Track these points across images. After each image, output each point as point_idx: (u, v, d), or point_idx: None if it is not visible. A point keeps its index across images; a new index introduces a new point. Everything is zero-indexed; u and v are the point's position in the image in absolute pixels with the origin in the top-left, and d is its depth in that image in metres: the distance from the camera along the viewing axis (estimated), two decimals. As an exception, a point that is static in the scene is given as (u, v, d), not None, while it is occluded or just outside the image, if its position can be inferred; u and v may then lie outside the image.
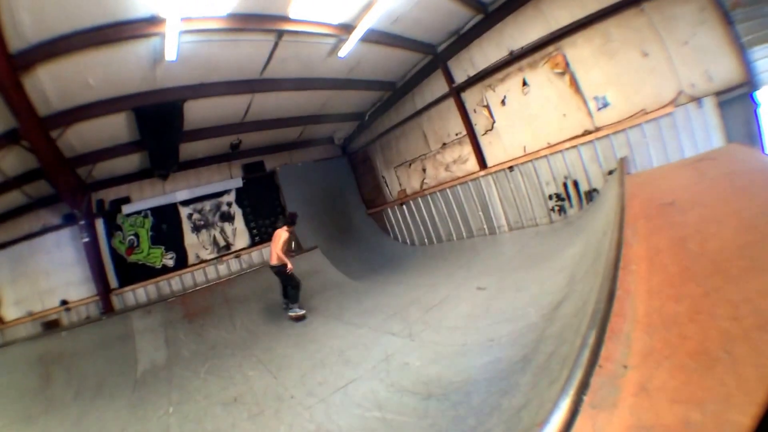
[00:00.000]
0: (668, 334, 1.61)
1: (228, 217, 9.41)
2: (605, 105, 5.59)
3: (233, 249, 9.31)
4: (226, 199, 9.41)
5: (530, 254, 5.87)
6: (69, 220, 8.02)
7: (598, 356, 1.64)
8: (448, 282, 6.30)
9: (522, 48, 6.26)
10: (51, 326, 8.01)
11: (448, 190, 8.06)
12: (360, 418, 3.50)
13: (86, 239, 7.74)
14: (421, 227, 9.04)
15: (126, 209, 8.55)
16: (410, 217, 9.25)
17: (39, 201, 7.90)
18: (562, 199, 6.22)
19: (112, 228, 8.47)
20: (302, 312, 6.93)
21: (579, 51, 5.75)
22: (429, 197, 8.56)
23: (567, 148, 5.99)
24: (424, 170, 8.63)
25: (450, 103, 7.54)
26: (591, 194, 5.85)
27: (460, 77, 7.34)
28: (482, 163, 7.29)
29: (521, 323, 4.06)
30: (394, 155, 9.38)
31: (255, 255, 9.37)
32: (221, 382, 5.23)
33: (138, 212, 8.64)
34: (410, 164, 8.95)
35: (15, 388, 6.13)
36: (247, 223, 9.54)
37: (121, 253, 8.50)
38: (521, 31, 6.29)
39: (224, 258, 9.12)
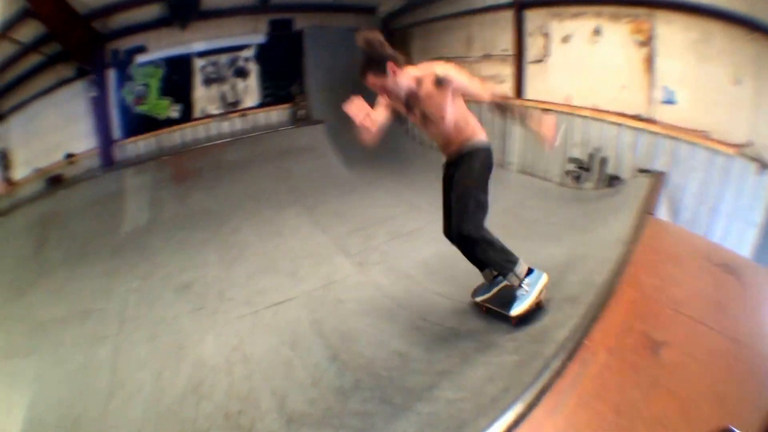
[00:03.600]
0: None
1: (242, 73, 9.22)
2: (670, 101, 4.80)
3: (241, 107, 9.34)
4: (244, 54, 9.10)
5: (521, 216, 5.56)
6: (82, 73, 8.10)
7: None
8: (431, 209, 6.05)
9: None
10: (54, 182, 8.57)
11: (473, 103, 7.37)
12: (274, 350, 3.90)
13: (94, 94, 8.02)
14: (438, 131, 8.59)
15: (140, 59, 8.49)
16: (431, 116, 8.72)
17: (55, 57, 7.86)
18: (583, 169, 5.74)
19: (123, 78, 8.53)
20: None
21: (670, 33, 4.77)
22: (454, 103, 7.99)
23: (611, 122, 5.36)
24: (458, 73, 7.90)
25: (508, 16, 6.58)
26: (613, 180, 5.38)
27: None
28: (518, 92, 6.66)
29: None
30: (433, 46, 8.55)
31: (262, 116, 9.41)
32: (183, 261, 5.84)
33: (152, 62, 8.61)
34: (446, 61, 8.13)
35: (15, 256, 6.91)
36: (262, 81, 9.34)
37: (129, 103, 8.69)
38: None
39: (230, 115, 9.23)
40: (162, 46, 8.54)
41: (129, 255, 6.31)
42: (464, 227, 2.98)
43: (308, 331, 4.04)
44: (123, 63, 8.44)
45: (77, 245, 6.94)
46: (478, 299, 3.60)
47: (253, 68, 9.22)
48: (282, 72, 9.39)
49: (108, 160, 8.54)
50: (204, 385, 3.71)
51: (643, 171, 4.94)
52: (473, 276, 4.05)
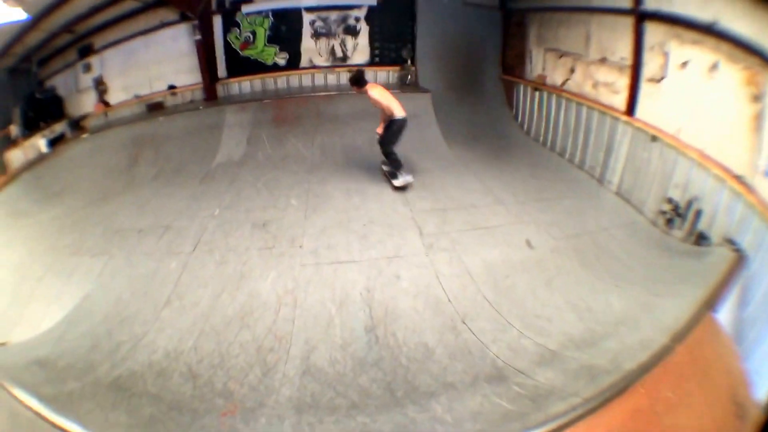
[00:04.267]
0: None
1: (352, 31, 9.43)
2: (770, 176, 4.16)
3: (349, 62, 9.56)
4: (355, 13, 9.30)
5: (599, 244, 5.02)
6: (186, 18, 8.77)
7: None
8: (516, 209, 5.74)
9: (727, 31, 4.49)
10: (155, 108, 9.53)
11: (584, 108, 6.97)
12: (321, 304, 4.15)
13: (198, 38, 8.67)
14: (543, 124, 8.17)
15: (246, 9, 9.09)
16: (538, 106, 8.29)
17: (154, 3, 8.63)
18: (678, 215, 5.15)
19: (229, 24, 9.19)
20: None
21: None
22: (564, 101, 7.50)
23: (715, 175, 4.70)
24: (572, 70, 7.39)
25: (627, 23, 5.98)
26: (701, 239, 4.80)
27: (650, 2, 5.60)
28: (630, 108, 6.03)
29: (505, 334, 3.71)
30: (551, 37, 8.03)
31: (370, 74, 9.24)
32: (267, 200, 6.19)
33: (258, 12, 9.12)
34: (561, 56, 7.68)
35: (104, 168, 7.77)
36: (372, 41, 9.48)
37: (235, 47, 9.37)
38: (742, 15, 4.37)
39: (337, 69, 9.49)
40: (268, -1, 9.04)
41: (218, 184, 6.80)
42: (387, 148, 6.27)
43: (358, 296, 4.19)
44: (229, 11, 9.08)
45: (170, 167, 7.56)
46: (384, 168, 6.72)
47: (364, 28, 9.36)
48: (393, 35, 9.42)
49: (211, 96, 9.23)
50: (251, 317, 4.07)
51: (729, 242, 4.33)
52: (529, 294, 4.13)
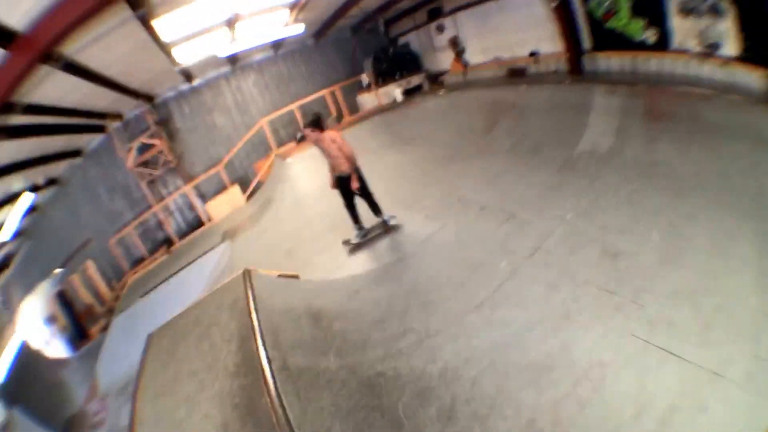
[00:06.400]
0: None
1: (716, 11, 6.81)
2: None
3: (719, 52, 6.94)
4: None
5: None
6: None
7: None
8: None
9: None
10: (516, 74, 9.50)
11: None
12: (621, 403, 3.14)
13: (555, 3, 8.12)
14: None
15: None
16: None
17: None
18: None
19: None
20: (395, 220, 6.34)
21: None
22: None
23: None
24: None
25: None
26: None
27: None
28: None
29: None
30: None
31: (740, 73, 6.63)
32: (627, 220, 4.95)
33: None
34: None
35: (459, 127, 7.95)
36: (742, 27, 6.52)
37: (597, 17, 8.28)
38: None
39: (708, 58, 7.13)
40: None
41: (577, 179, 6.03)
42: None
43: (659, 412, 2.92)
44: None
45: (527, 143, 7.19)
46: (357, 240, 6.11)
47: (729, 7, 6.44)
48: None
49: (575, 69, 8.67)
50: (547, 375, 3.34)
51: None
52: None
